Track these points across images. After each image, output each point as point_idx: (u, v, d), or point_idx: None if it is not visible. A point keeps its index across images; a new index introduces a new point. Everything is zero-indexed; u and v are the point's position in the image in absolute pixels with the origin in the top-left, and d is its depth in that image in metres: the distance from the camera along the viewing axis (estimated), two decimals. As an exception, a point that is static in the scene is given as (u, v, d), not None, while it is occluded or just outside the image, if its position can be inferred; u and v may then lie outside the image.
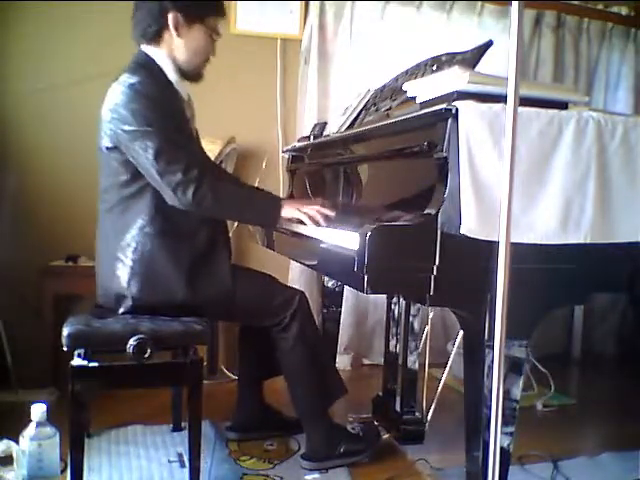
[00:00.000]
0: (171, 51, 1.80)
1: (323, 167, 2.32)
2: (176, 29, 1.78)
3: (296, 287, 2.24)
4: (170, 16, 1.76)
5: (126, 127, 1.67)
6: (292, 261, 2.94)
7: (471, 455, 1.47)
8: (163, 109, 1.71)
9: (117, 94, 1.71)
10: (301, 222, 1.82)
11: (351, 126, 2.25)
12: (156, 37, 1.79)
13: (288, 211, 1.82)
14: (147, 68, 1.77)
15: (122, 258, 1.75)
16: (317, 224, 1.79)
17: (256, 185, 2.91)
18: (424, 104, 1.59)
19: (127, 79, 1.71)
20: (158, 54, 1.80)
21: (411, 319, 2.13)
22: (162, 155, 1.65)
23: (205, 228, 1.83)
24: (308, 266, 2.11)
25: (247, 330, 2.17)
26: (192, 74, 1.86)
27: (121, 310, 1.76)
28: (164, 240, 1.76)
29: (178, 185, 1.66)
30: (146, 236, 1.75)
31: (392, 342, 2.25)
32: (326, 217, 1.80)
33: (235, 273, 1.89)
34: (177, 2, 1.77)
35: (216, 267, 1.85)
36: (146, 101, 1.68)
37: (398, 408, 2.16)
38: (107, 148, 1.75)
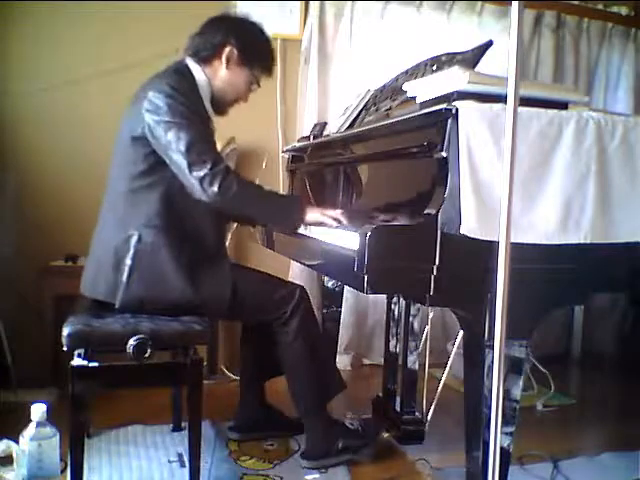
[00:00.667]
0: (213, 76, 1.91)
1: (323, 167, 2.32)
2: (227, 62, 1.89)
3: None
4: (227, 49, 1.88)
5: (160, 118, 1.72)
6: (292, 261, 2.94)
7: (471, 455, 1.47)
8: (197, 109, 1.79)
9: (153, 89, 1.76)
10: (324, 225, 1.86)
11: (351, 126, 2.25)
12: (205, 60, 1.89)
13: (311, 215, 1.87)
14: (183, 74, 1.85)
15: (124, 250, 1.76)
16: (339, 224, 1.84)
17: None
18: (424, 104, 1.59)
19: (164, 78, 1.79)
20: (198, 70, 1.89)
21: (411, 319, 2.13)
22: (193, 147, 1.71)
23: (208, 226, 1.85)
24: (308, 266, 2.11)
25: (249, 330, 2.17)
26: (220, 105, 1.96)
27: (118, 302, 1.76)
28: (167, 236, 1.77)
29: (206, 177, 1.70)
30: (150, 230, 1.76)
31: (392, 342, 2.25)
32: (348, 220, 1.85)
33: (236, 272, 1.90)
34: (239, 40, 1.88)
35: (217, 265, 1.86)
36: (182, 97, 1.75)
37: (398, 408, 2.16)
38: (133, 137, 1.77)
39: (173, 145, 1.70)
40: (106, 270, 1.79)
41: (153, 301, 1.76)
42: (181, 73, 1.84)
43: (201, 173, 1.70)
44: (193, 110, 1.77)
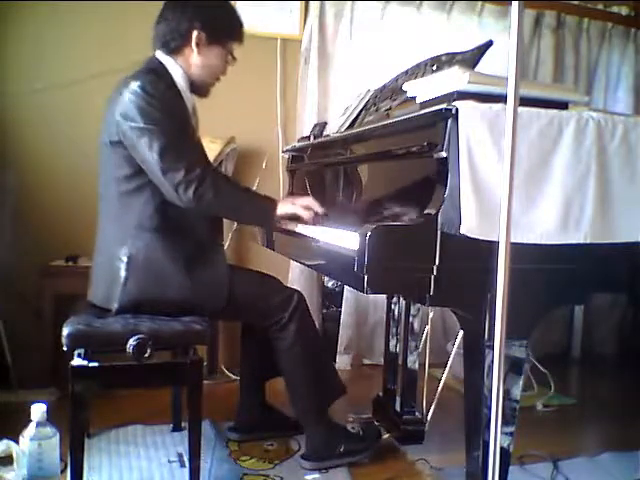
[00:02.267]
0: (187, 65, 1.87)
1: (323, 167, 2.32)
2: (197, 46, 1.85)
3: (296, 287, 2.24)
4: (194, 34, 1.84)
5: (133, 124, 1.70)
6: (292, 261, 2.94)
7: (471, 455, 1.47)
8: (170, 110, 1.75)
9: (126, 92, 1.73)
10: (296, 218, 1.88)
11: (351, 126, 2.25)
12: (176, 50, 1.86)
13: (282, 207, 1.88)
14: (158, 73, 1.81)
15: (119, 254, 1.76)
16: (313, 215, 1.86)
17: (256, 185, 2.93)
18: (424, 104, 1.59)
19: (137, 79, 1.75)
20: (172, 63, 1.85)
21: (411, 319, 2.13)
22: (166, 153, 1.69)
23: (203, 226, 1.85)
24: (308, 266, 2.11)
25: (249, 330, 2.17)
26: (201, 89, 1.93)
27: (115, 306, 1.76)
28: (161, 237, 1.77)
29: (180, 183, 1.69)
30: (144, 232, 1.76)
31: (392, 342, 2.25)
32: (318, 209, 1.88)
33: (233, 272, 1.90)
34: (204, 22, 1.84)
35: (213, 264, 1.86)
36: (154, 101, 1.72)
37: (398, 408, 2.16)
38: (111, 142, 1.76)
39: (147, 152, 1.69)
40: (104, 275, 1.80)
41: (150, 303, 1.76)
42: (155, 72, 1.80)
43: (175, 180, 1.68)
44: (167, 112, 1.73)
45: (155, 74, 1.79)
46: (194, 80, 1.89)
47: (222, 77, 1.97)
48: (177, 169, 1.68)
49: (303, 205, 1.89)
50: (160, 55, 1.86)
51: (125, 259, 1.75)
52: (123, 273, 1.75)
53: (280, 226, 1.98)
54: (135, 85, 1.72)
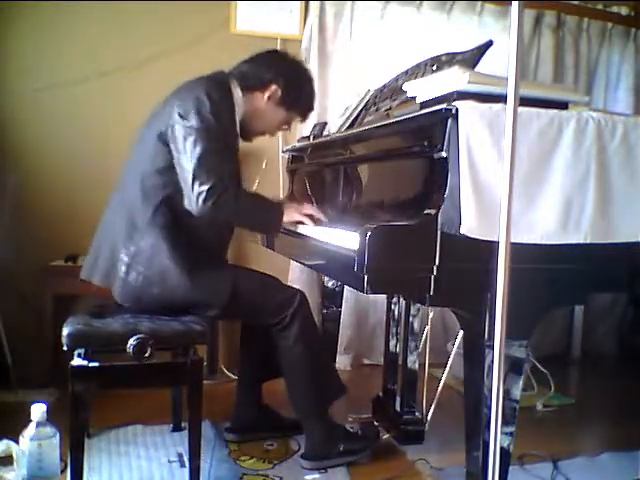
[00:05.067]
0: (249, 104, 1.94)
1: (323, 167, 2.32)
2: (269, 98, 1.95)
3: (296, 287, 2.24)
4: (273, 87, 1.94)
5: (186, 122, 1.74)
6: (292, 261, 2.94)
7: (471, 455, 1.47)
8: (224, 122, 1.80)
9: (192, 92, 1.78)
10: (300, 223, 1.91)
11: (351, 126, 2.25)
12: (249, 89, 1.94)
13: (288, 215, 1.91)
14: (223, 86, 1.86)
15: (126, 243, 1.78)
16: (317, 222, 1.88)
17: (256, 185, 2.93)
18: (424, 104, 1.59)
19: (205, 82, 1.82)
20: (238, 91, 1.91)
21: (411, 319, 2.13)
22: (205, 159, 1.72)
23: (213, 231, 1.88)
24: (308, 266, 2.11)
25: (249, 330, 2.17)
26: (243, 131, 1.98)
27: (115, 297, 1.78)
28: (170, 235, 1.78)
29: (203, 192, 1.71)
30: (154, 228, 1.78)
31: (392, 342, 2.25)
32: (322, 217, 1.91)
33: (236, 272, 1.91)
34: (287, 83, 1.95)
35: (217, 265, 1.88)
36: (213, 108, 1.76)
37: (398, 408, 2.16)
38: (158, 133, 1.80)
39: (188, 151, 1.72)
40: (105, 258, 1.82)
41: (150, 297, 1.78)
42: (220, 82, 1.86)
43: (202, 188, 1.70)
44: (221, 121, 1.78)
45: (220, 84, 1.85)
46: (244, 118, 1.94)
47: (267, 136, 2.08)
48: (208, 178, 1.71)
49: (307, 213, 1.92)
50: (231, 80, 1.91)
51: (131, 251, 1.77)
52: (125, 265, 1.77)
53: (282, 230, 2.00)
54: (203, 89, 1.78)
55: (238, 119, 1.92)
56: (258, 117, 1.98)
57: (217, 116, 1.76)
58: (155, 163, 1.80)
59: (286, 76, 1.95)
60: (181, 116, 1.75)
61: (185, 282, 1.77)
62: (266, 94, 1.94)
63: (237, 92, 1.91)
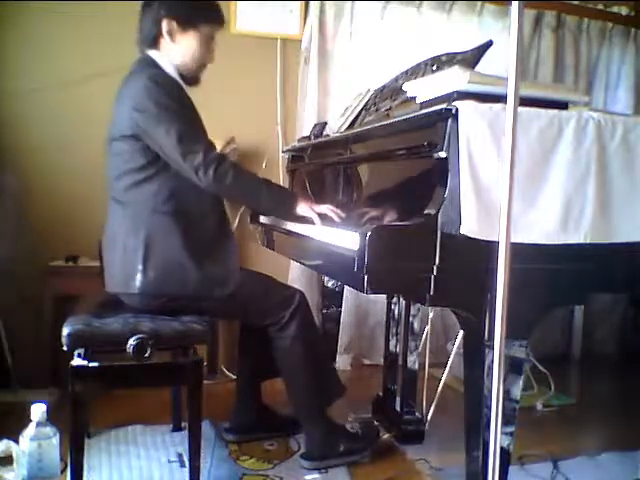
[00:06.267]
0: (168, 56, 1.87)
1: (323, 167, 2.32)
2: (170, 35, 1.85)
3: (296, 287, 2.24)
4: (164, 23, 1.84)
5: (148, 114, 1.73)
6: (292, 261, 2.94)
7: (471, 455, 1.47)
8: (180, 98, 1.80)
9: (136, 85, 1.76)
10: (311, 221, 1.87)
11: (351, 126, 2.26)
12: (154, 43, 1.87)
13: (303, 209, 1.88)
14: (156, 66, 1.84)
15: (136, 240, 1.77)
16: (330, 221, 1.85)
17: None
18: (424, 104, 1.59)
19: (142, 73, 1.78)
20: (159, 57, 1.87)
21: (411, 319, 2.13)
22: (184, 138, 1.73)
23: (215, 214, 1.87)
24: (308, 266, 2.11)
25: (248, 330, 2.17)
26: (189, 78, 1.92)
27: (136, 290, 1.76)
28: (176, 220, 1.78)
29: (199, 166, 1.72)
30: (159, 216, 1.77)
31: (392, 342, 2.25)
32: (338, 217, 1.86)
33: None
34: (171, 9, 1.84)
35: (225, 250, 1.86)
36: (165, 90, 1.76)
37: (398, 408, 2.16)
38: (123, 136, 1.78)
39: (164, 139, 1.73)
40: (120, 263, 1.80)
41: (169, 282, 1.77)
42: (154, 65, 1.84)
43: (194, 162, 1.72)
44: (178, 100, 1.77)
45: (155, 67, 1.83)
46: (180, 70, 1.89)
47: (219, 70, 1.95)
48: (195, 151, 1.72)
49: (322, 212, 1.88)
50: (149, 52, 1.87)
51: (142, 244, 1.76)
52: (141, 258, 1.75)
53: (292, 221, 1.97)
54: (144, 78, 1.76)
55: (178, 76, 1.88)
56: (182, 57, 1.86)
57: (171, 95, 1.75)
58: (136, 161, 1.77)
59: (164, 4, 1.83)
60: (140, 111, 1.73)
61: (195, 267, 1.76)
62: (165, 34, 1.83)
63: (159, 58, 1.86)
